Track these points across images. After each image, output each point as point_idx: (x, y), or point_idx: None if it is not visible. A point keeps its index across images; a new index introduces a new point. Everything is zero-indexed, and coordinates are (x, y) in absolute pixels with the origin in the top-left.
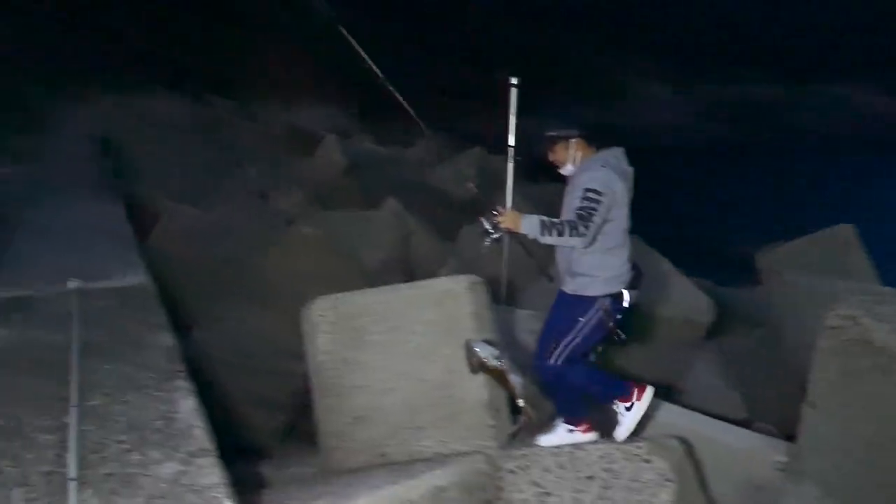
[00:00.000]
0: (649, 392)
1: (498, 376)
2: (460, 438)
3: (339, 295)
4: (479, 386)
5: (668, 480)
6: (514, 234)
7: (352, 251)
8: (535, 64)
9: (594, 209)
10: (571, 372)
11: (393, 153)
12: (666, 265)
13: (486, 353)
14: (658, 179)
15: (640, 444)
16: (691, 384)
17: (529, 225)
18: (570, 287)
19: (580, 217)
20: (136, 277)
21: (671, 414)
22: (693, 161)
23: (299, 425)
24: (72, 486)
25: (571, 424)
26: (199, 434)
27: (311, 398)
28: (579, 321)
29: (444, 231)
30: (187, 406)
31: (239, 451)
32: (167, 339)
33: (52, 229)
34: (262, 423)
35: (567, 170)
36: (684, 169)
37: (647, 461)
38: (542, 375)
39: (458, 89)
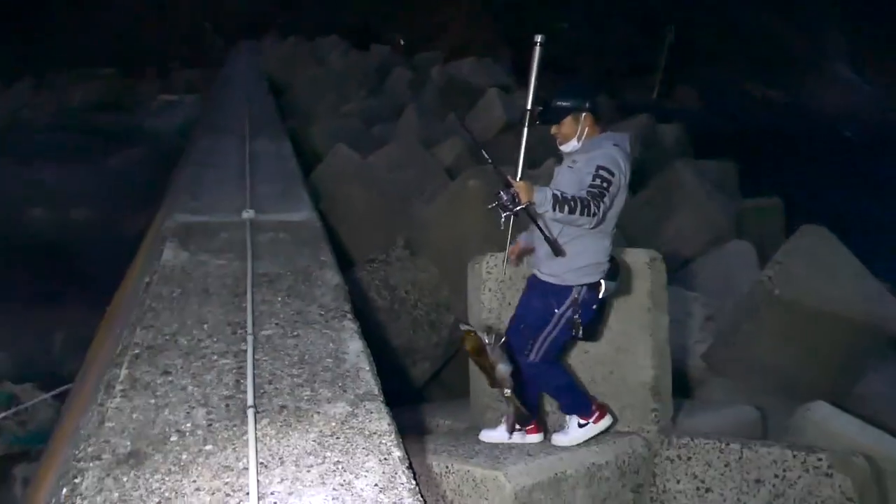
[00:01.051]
0: (607, 421)
1: (487, 364)
2: (619, 418)
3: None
4: (645, 367)
5: (849, 500)
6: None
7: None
8: (700, 27)
9: (607, 189)
10: (550, 372)
11: None
12: (854, 264)
13: (484, 339)
14: (848, 174)
15: (821, 456)
16: (867, 394)
17: (542, 197)
18: (549, 271)
19: (593, 195)
20: (304, 213)
21: (852, 426)
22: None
23: (443, 376)
24: (250, 413)
25: (584, 418)
26: (367, 377)
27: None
28: (555, 312)
29: None
30: (355, 347)
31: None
32: (334, 276)
33: (227, 162)
34: (408, 369)
35: (570, 146)
36: (876, 162)
37: (828, 475)
38: (525, 373)
39: (624, 52)
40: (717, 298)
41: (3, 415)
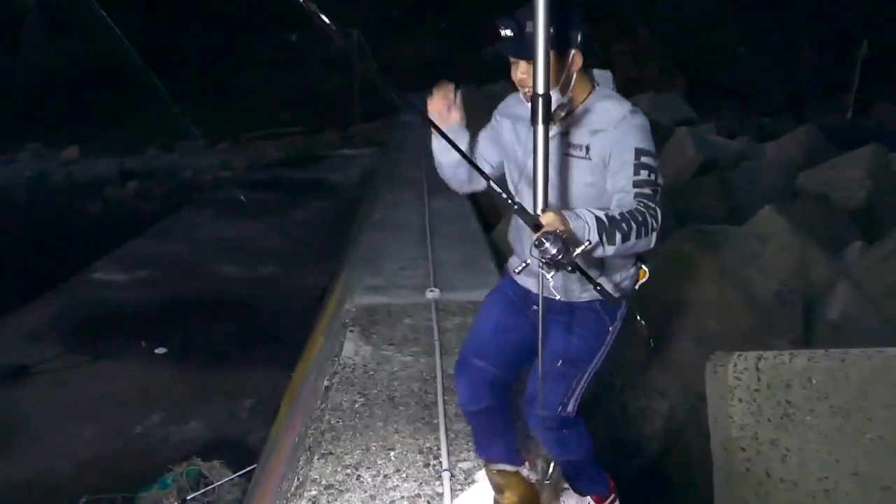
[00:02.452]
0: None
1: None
2: None
3: (763, 354)
4: None
5: None
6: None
7: (739, 276)
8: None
9: (658, 185)
10: (582, 427)
11: (749, 148)
12: None
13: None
14: None
15: None
16: None
17: (583, 229)
18: (599, 284)
19: (646, 199)
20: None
21: None
22: None
23: (656, 475)
24: None
25: (599, 500)
26: None
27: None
28: (609, 331)
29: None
30: None
31: None
32: None
33: (407, 223)
34: (619, 465)
35: (560, 102)
36: None
37: None
38: (550, 436)
39: (815, 73)
40: None
41: (192, 495)
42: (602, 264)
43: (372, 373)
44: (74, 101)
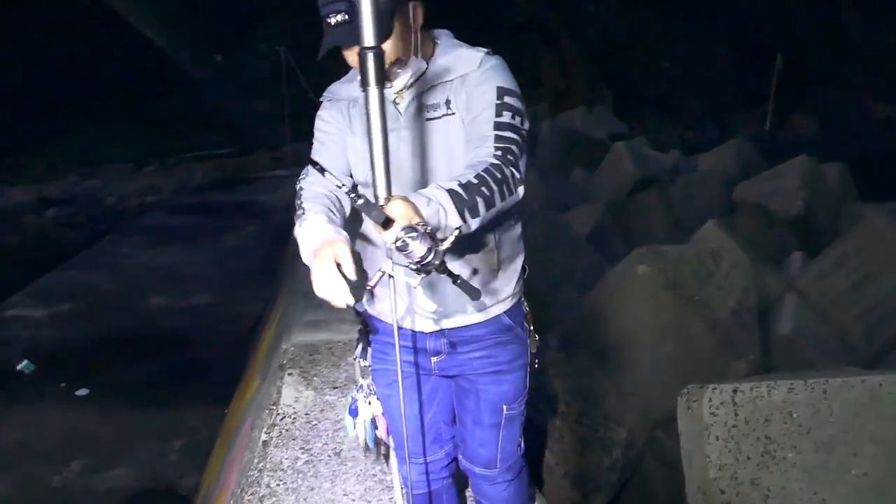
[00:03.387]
0: None
1: None
2: None
3: (739, 386)
4: None
5: None
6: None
7: (695, 297)
8: (813, 46)
9: (523, 130)
10: (525, 467)
11: (682, 161)
12: None
13: None
14: None
15: None
16: None
17: (438, 213)
18: (505, 296)
19: (510, 145)
20: None
21: None
22: None
23: None
24: None
25: None
26: None
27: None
28: (528, 353)
29: (770, 261)
30: None
31: None
32: None
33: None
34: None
35: (410, 72)
36: None
37: None
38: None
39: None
40: None
41: None
42: (502, 264)
43: (315, 422)
44: None
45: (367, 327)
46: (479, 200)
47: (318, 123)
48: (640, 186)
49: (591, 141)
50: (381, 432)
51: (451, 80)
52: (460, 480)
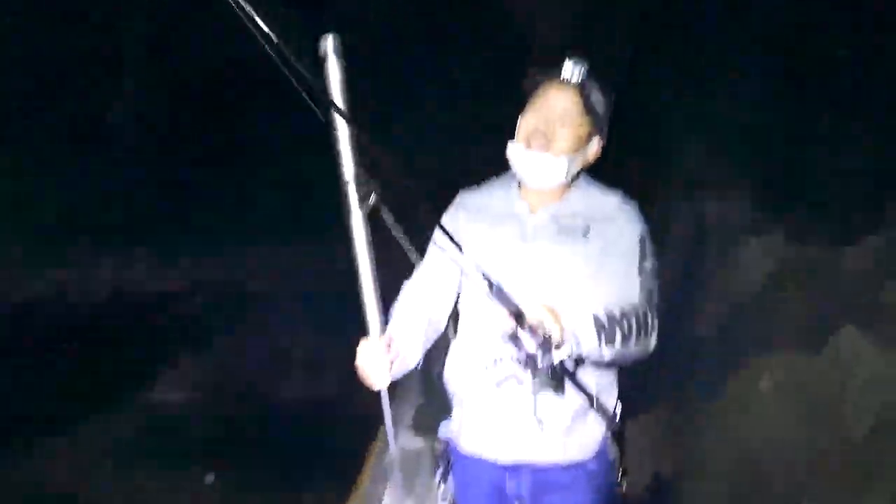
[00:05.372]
0: None
1: None
2: None
3: None
4: None
5: None
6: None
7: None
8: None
9: (658, 283)
10: None
11: (825, 256)
12: None
13: None
14: None
15: None
16: None
17: (577, 329)
18: (594, 440)
19: (649, 296)
20: None
21: None
22: None
23: None
24: None
25: None
26: None
27: None
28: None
29: None
30: None
31: None
32: None
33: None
34: None
35: (554, 180)
36: None
37: None
38: None
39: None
40: None
41: None
42: (597, 402)
43: None
44: None
45: (448, 456)
46: (619, 334)
47: (440, 233)
48: (776, 284)
49: (717, 232)
50: None
51: (593, 216)
52: None
